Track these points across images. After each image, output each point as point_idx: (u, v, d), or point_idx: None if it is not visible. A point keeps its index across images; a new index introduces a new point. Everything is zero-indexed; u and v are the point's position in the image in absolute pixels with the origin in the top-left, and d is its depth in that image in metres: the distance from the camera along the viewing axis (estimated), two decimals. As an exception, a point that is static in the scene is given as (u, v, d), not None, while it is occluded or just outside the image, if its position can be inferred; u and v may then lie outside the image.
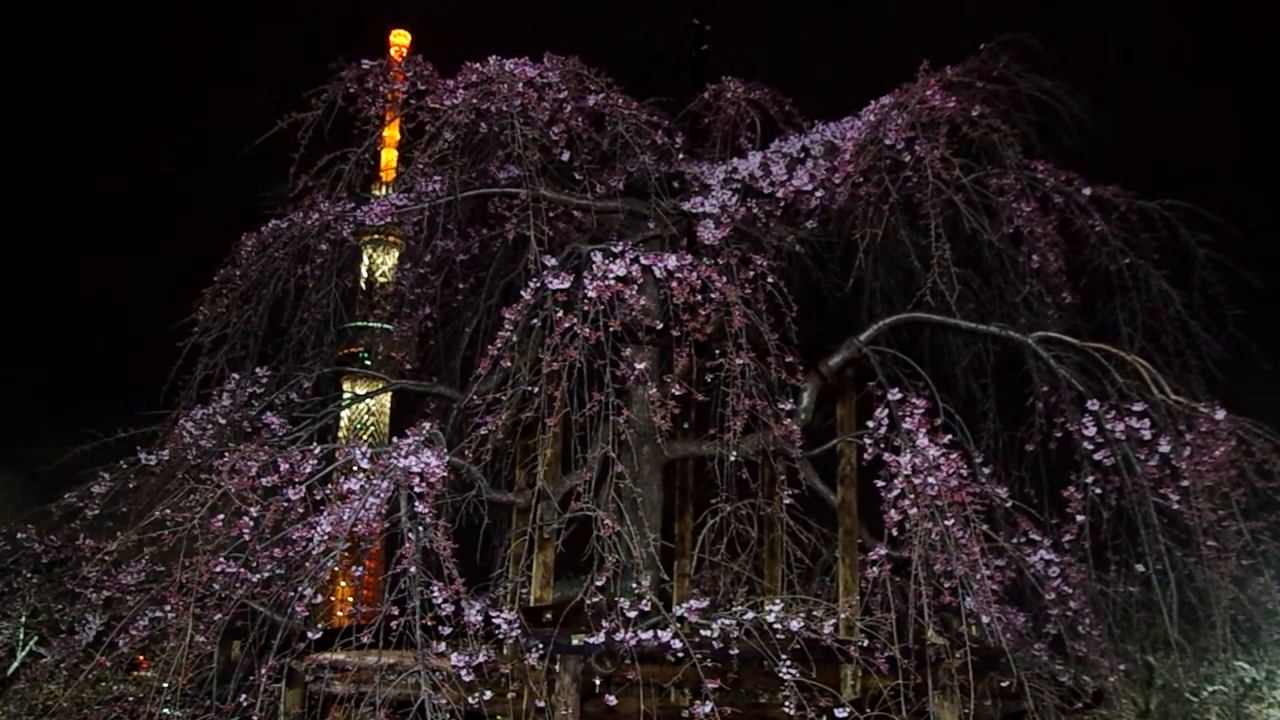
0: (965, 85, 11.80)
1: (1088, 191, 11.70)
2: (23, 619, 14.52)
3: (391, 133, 13.09)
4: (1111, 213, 11.68)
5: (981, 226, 11.49)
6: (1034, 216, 11.63)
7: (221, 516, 9.68)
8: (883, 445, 10.34)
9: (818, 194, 11.81)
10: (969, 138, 11.58)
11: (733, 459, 10.52)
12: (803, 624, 9.69)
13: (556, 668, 9.60)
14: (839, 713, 9.81)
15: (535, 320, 10.11)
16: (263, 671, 9.24)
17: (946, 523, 9.63)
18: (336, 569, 10.19)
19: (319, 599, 9.56)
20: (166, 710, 9.38)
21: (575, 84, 11.95)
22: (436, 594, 9.10)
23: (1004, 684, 9.86)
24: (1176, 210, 11.44)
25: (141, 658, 10.24)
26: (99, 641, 10.05)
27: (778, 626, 9.55)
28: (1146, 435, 10.51)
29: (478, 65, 11.80)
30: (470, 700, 9.22)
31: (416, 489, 9.42)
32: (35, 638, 18.87)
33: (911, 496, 9.84)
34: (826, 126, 12.22)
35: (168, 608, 9.44)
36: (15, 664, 20.36)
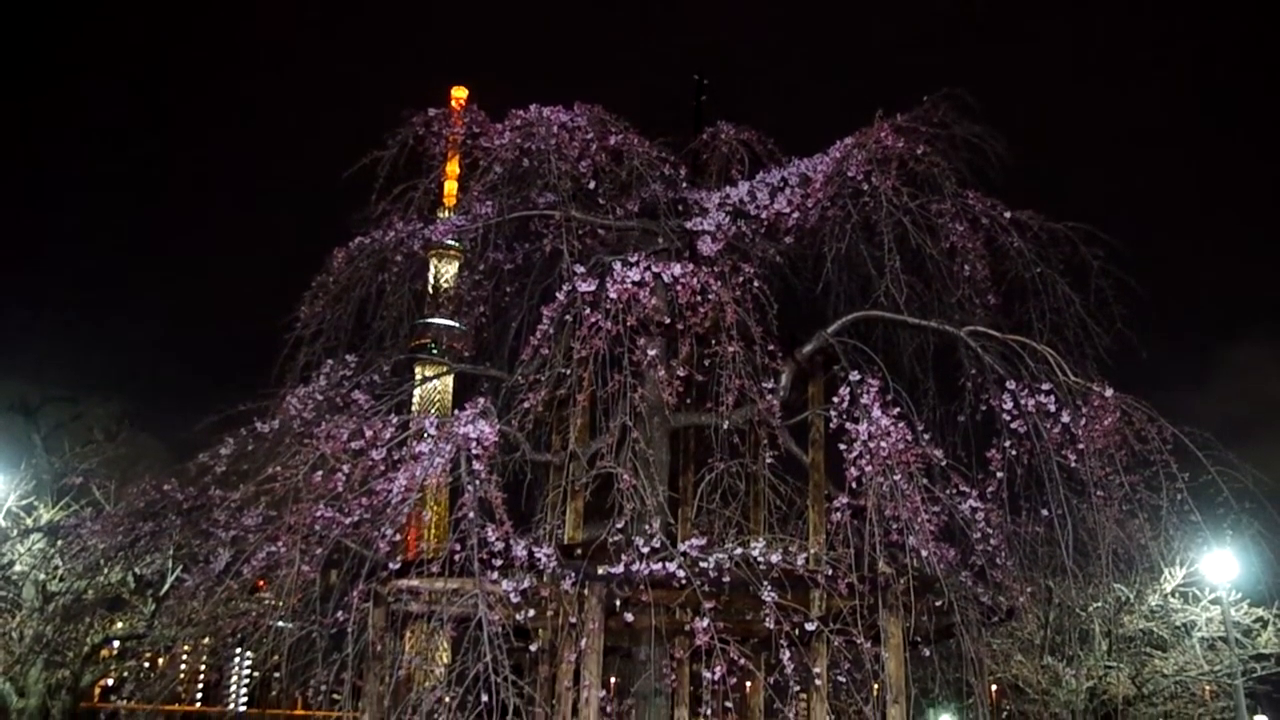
0: (912, 129, 11.94)
1: (1008, 214, 11.79)
2: (170, 552, 14.58)
3: (452, 167, 13.14)
4: (1026, 232, 11.75)
5: (924, 242, 11.62)
6: (966, 234, 11.75)
7: (320, 473, 9.87)
8: (845, 416, 10.50)
9: (794, 215, 11.99)
10: (915, 171, 11.77)
11: (725, 427, 10.70)
12: (780, 557, 9.87)
13: (586, 592, 9.89)
14: (808, 626, 10.09)
15: (568, 316, 10.32)
16: (354, 594, 9.51)
17: (895, 478, 9.82)
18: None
19: (398, 537, 9.73)
20: (280, 623, 9.63)
21: (599, 127, 12.15)
22: (490, 534, 9.30)
23: (938, 603, 10.13)
24: (1078, 230, 11.54)
25: (261, 582, 10.30)
26: (228, 570, 10.26)
27: (761, 559, 9.72)
28: (1052, 408, 10.71)
29: (521, 112, 12.00)
30: (518, 617, 9.55)
31: (474, 451, 9.60)
32: (180, 566, 19.28)
33: (867, 457, 10.03)
34: (801, 161, 12.36)
35: (280, 544, 9.62)
36: (165, 586, 21.04)
